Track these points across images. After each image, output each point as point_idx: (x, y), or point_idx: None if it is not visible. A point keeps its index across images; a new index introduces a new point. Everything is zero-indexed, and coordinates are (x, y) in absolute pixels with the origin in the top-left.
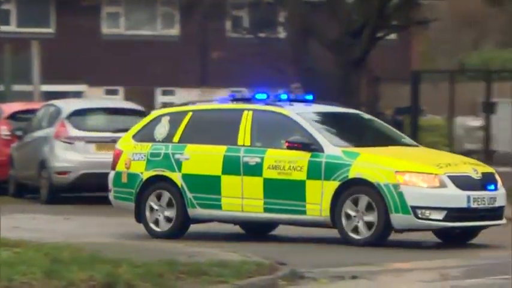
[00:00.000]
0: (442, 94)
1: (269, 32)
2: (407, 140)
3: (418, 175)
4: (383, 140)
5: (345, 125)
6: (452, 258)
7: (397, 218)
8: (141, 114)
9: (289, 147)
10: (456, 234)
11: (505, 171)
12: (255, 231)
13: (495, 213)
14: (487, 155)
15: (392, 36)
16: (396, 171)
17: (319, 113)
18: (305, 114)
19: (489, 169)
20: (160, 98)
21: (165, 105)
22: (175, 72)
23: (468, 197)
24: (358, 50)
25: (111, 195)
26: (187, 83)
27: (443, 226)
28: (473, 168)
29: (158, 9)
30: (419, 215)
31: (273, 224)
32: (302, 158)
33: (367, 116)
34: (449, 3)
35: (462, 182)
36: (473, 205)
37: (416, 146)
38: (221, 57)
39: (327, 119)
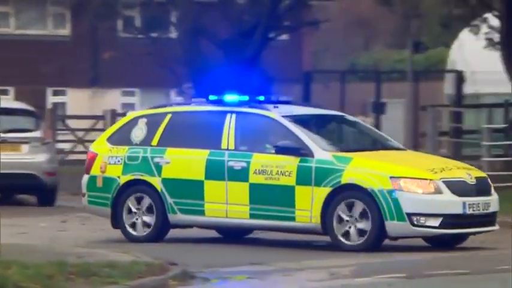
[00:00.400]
0: (333, 94)
1: (161, 32)
2: (393, 142)
3: (413, 181)
4: (371, 143)
5: (331, 127)
6: (344, 258)
7: (393, 226)
8: (32, 114)
9: (277, 152)
10: (446, 239)
11: None
12: (232, 235)
13: (489, 219)
14: None
15: (284, 36)
16: (391, 177)
17: (304, 116)
18: (291, 117)
19: (482, 174)
20: (51, 99)
21: (55, 105)
22: (66, 73)
23: (464, 203)
24: (251, 50)
25: (84, 200)
26: (79, 84)
27: (440, 233)
28: (467, 173)
29: (48, 9)
30: (415, 222)
31: (248, 230)
32: (291, 162)
33: (351, 118)
34: (339, 5)
35: (457, 188)
36: (469, 211)
37: (404, 149)
38: (112, 57)
39: (313, 122)
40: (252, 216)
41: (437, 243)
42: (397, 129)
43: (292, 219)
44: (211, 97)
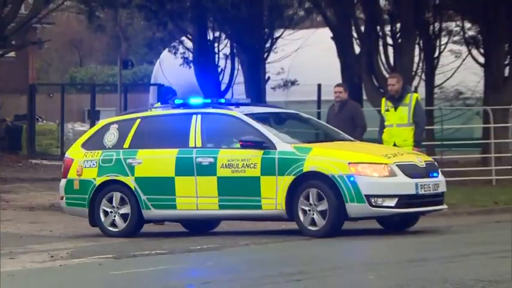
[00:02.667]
0: (55, 103)
1: None
2: (344, 135)
3: (370, 165)
4: (325, 136)
5: (289, 123)
6: (62, 241)
7: (353, 207)
8: None
9: (242, 146)
10: (397, 221)
11: None
12: (197, 229)
13: (439, 198)
14: None
15: (13, 54)
16: (349, 163)
17: (263, 113)
18: (252, 115)
19: (429, 158)
20: None
21: None
22: None
23: (416, 184)
24: None
25: (63, 203)
26: None
27: (396, 212)
28: (417, 158)
29: None
30: (373, 203)
31: (212, 223)
32: (255, 155)
33: (304, 115)
34: (58, 27)
35: (410, 170)
36: (421, 191)
37: (354, 140)
38: None
39: (272, 119)
40: (221, 207)
41: (389, 226)
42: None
43: (259, 207)
44: (177, 101)
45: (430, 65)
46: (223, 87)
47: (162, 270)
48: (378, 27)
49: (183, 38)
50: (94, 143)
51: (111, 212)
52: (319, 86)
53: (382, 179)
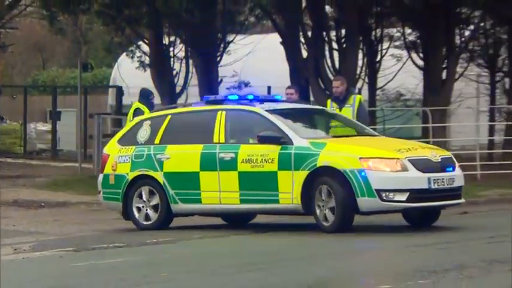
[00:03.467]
0: (18, 104)
1: None
2: (369, 131)
3: (381, 160)
4: (349, 131)
5: (312, 119)
6: (25, 235)
7: (364, 202)
8: None
9: (260, 142)
10: (421, 216)
11: (68, 165)
12: (235, 221)
13: (455, 192)
14: (53, 153)
15: None
16: (360, 158)
17: (286, 109)
18: (274, 111)
19: (446, 153)
20: None
21: None
22: None
23: (429, 179)
24: None
25: (100, 197)
26: None
27: (407, 207)
28: (432, 153)
29: None
30: (384, 197)
31: (250, 215)
32: (273, 151)
33: (331, 111)
34: (22, 32)
35: (422, 165)
36: (434, 186)
37: (378, 135)
38: None
39: (295, 115)
40: (241, 201)
41: (415, 221)
42: (72, 133)
43: (276, 201)
44: (207, 97)
45: (373, 68)
46: (178, 89)
47: (120, 263)
48: (324, 33)
49: (140, 42)
50: (128, 139)
51: (142, 206)
52: (268, 88)
53: (393, 174)
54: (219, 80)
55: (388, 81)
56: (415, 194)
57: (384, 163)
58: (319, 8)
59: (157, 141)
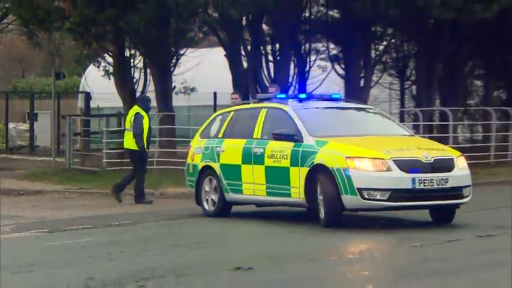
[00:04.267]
0: (1, 107)
1: None
2: (398, 130)
3: (366, 160)
4: (365, 130)
5: (338, 117)
6: (6, 219)
7: (347, 199)
8: None
9: (274, 138)
10: (439, 214)
11: (44, 159)
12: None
13: (451, 193)
14: (31, 148)
15: None
16: (347, 157)
17: (317, 108)
18: (301, 109)
19: (446, 154)
20: None
21: None
22: None
23: (413, 179)
24: None
25: (186, 183)
26: None
27: (388, 206)
28: (425, 154)
29: None
30: (366, 196)
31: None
32: (288, 147)
33: (374, 110)
34: (4, 46)
35: (408, 166)
36: (419, 186)
37: (407, 134)
38: None
39: (322, 113)
40: (267, 193)
41: (437, 218)
42: (47, 131)
43: (289, 195)
44: (260, 96)
45: (303, 77)
46: (138, 94)
47: (88, 242)
48: (261, 47)
49: (105, 54)
50: (205, 132)
51: (207, 193)
52: (214, 93)
53: (376, 173)
54: (173, 86)
55: (316, 88)
56: (398, 194)
57: (368, 163)
58: (257, 27)
59: (220, 135)
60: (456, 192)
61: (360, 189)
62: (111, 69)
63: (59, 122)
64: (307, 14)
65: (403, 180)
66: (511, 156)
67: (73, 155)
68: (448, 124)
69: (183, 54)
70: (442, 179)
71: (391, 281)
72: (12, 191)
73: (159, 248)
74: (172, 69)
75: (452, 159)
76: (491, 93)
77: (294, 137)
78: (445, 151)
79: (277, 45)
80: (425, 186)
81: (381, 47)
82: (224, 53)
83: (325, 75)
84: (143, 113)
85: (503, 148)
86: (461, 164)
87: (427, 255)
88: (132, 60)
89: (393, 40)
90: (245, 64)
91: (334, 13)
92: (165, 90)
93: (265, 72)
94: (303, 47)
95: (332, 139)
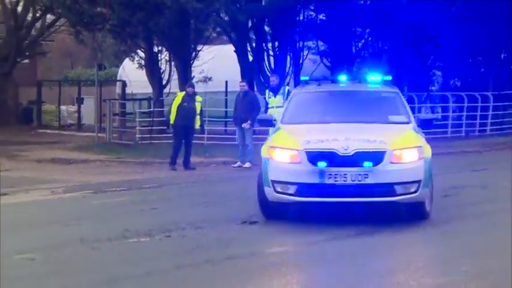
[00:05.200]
0: (54, 93)
1: None
2: (393, 117)
3: (283, 150)
4: (352, 116)
5: (335, 102)
6: (58, 182)
7: (267, 191)
8: None
9: (259, 123)
10: (411, 210)
11: (89, 135)
12: None
13: (368, 190)
14: (79, 126)
15: (27, 60)
16: (270, 147)
17: (320, 92)
18: (299, 94)
19: (378, 146)
20: None
21: None
22: None
23: (321, 173)
24: (7, 67)
25: None
26: None
27: (296, 201)
28: (344, 146)
29: None
30: (278, 189)
31: None
32: (271, 131)
33: (387, 93)
34: (56, 43)
35: (320, 158)
36: (329, 181)
37: (392, 123)
38: None
39: (320, 98)
40: None
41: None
42: (91, 112)
43: None
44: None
45: (297, 68)
46: (164, 82)
47: (124, 201)
48: (264, 44)
49: (138, 50)
50: None
51: None
52: (226, 82)
53: (287, 166)
54: (192, 76)
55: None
56: (305, 188)
57: (285, 154)
58: (260, 28)
59: None
60: (382, 189)
61: (273, 182)
62: (142, 61)
63: (100, 105)
64: (300, 17)
65: (310, 173)
66: (465, 131)
67: (112, 131)
68: (415, 106)
69: (200, 50)
70: (360, 174)
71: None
72: (64, 160)
73: (181, 206)
74: (192, 61)
75: (381, 152)
76: (448, 81)
77: (273, 122)
78: (374, 144)
79: (276, 43)
80: (336, 181)
81: (360, 44)
82: (234, 49)
83: (315, 67)
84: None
85: (459, 125)
86: (401, 158)
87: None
88: (159, 55)
89: (369, 38)
90: (250, 58)
91: (322, 16)
92: (186, 79)
93: (267, 64)
94: (297, 44)
95: (287, 127)
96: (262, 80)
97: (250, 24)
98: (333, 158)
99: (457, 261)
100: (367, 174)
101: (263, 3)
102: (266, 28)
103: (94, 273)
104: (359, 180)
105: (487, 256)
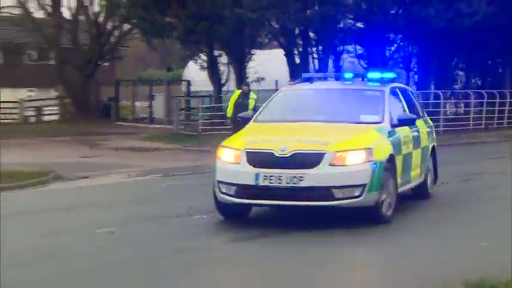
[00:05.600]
0: (130, 91)
1: None
2: (365, 117)
3: (228, 150)
4: (325, 116)
5: (316, 100)
6: (133, 167)
7: (216, 192)
8: None
9: (241, 122)
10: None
11: (159, 127)
12: None
13: (302, 193)
14: (150, 119)
15: (107, 63)
16: (220, 146)
17: (308, 90)
18: (288, 91)
19: (317, 148)
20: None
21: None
22: None
23: (257, 175)
24: (89, 69)
25: None
26: None
27: (235, 202)
28: (282, 147)
29: None
30: (222, 190)
31: None
32: None
33: (373, 92)
34: (131, 49)
35: (257, 159)
36: (264, 183)
37: (358, 123)
38: None
39: (304, 96)
40: None
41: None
42: (161, 107)
43: None
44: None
45: (338, 69)
46: (223, 81)
47: (189, 183)
48: (309, 49)
49: (201, 54)
50: None
51: None
52: (276, 81)
53: (229, 166)
54: (247, 76)
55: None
56: (243, 190)
57: (230, 153)
58: (306, 34)
59: None
60: (317, 192)
61: (219, 182)
62: (204, 64)
63: (169, 101)
64: (341, 25)
65: (247, 175)
66: (484, 124)
67: (179, 124)
68: (440, 102)
69: (254, 53)
70: (295, 177)
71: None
72: (138, 148)
73: None
74: (246, 63)
75: (319, 154)
76: (470, 80)
77: (249, 121)
78: (322, 145)
79: (320, 47)
80: (271, 183)
81: (393, 48)
82: (283, 52)
83: (353, 68)
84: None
85: (479, 119)
86: (344, 160)
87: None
88: (219, 58)
89: (401, 43)
90: (297, 60)
91: (360, 24)
92: (242, 79)
93: (311, 66)
94: (338, 48)
95: (254, 125)
96: None
97: (297, 31)
98: (270, 159)
99: (477, 237)
100: (302, 177)
101: (308, 13)
102: (311, 34)
103: (164, 245)
104: (294, 183)
105: (504, 233)
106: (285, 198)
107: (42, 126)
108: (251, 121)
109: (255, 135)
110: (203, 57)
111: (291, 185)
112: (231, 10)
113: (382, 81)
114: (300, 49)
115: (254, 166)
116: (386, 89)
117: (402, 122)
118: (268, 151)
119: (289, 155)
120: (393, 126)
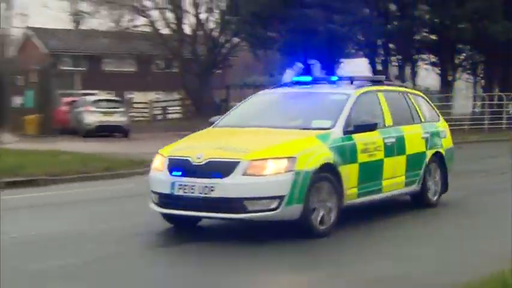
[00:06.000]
0: (238, 93)
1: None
2: (317, 122)
3: (159, 157)
4: (279, 121)
5: (280, 105)
6: None
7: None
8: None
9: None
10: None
11: None
12: None
13: (212, 204)
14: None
15: (219, 71)
16: (155, 153)
17: (274, 94)
18: (261, 95)
19: (234, 156)
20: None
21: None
22: None
23: (173, 183)
24: (206, 76)
25: None
26: None
27: (160, 212)
28: (199, 154)
29: None
30: (153, 199)
31: None
32: None
33: (341, 96)
34: (240, 58)
35: (175, 167)
36: (179, 192)
37: (303, 128)
38: None
39: (274, 100)
40: None
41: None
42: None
43: None
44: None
45: (414, 74)
46: None
47: None
48: (389, 57)
49: (298, 62)
50: None
51: None
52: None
53: (157, 173)
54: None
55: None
56: (162, 199)
57: (159, 160)
58: (386, 45)
59: None
60: (229, 204)
61: (151, 192)
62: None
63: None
64: (417, 37)
65: (165, 183)
66: None
67: None
68: (503, 103)
69: (342, 62)
70: (206, 187)
71: None
72: None
73: None
74: (335, 70)
75: (233, 162)
76: None
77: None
78: (237, 153)
79: (399, 56)
80: (185, 192)
81: (461, 57)
82: (367, 61)
83: (427, 74)
84: None
85: None
86: (260, 169)
87: None
88: (313, 66)
89: (470, 53)
90: (379, 67)
91: (433, 36)
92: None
93: (391, 72)
94: (414, 56)
95: (207, 130)
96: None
97: (379, 42)
98: (186, 167)
99: (496, 229)
100: (213, 187)
101: (389, 27)
102: (390, 45)
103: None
104: (205, 193)
105: None
106: (199, 209)
107: (167, 122)
108: (211, 126)
109: (190, 142)
110: (299, 65)
111: (203, 195)
112: (324, 26)
113: (369, 84)
114: (382, 58)
115: (171, 174)
116: (355, 93)
117: (359, 128)
118: (185, 158)
119: (203, 163)
120: (348, 132)
